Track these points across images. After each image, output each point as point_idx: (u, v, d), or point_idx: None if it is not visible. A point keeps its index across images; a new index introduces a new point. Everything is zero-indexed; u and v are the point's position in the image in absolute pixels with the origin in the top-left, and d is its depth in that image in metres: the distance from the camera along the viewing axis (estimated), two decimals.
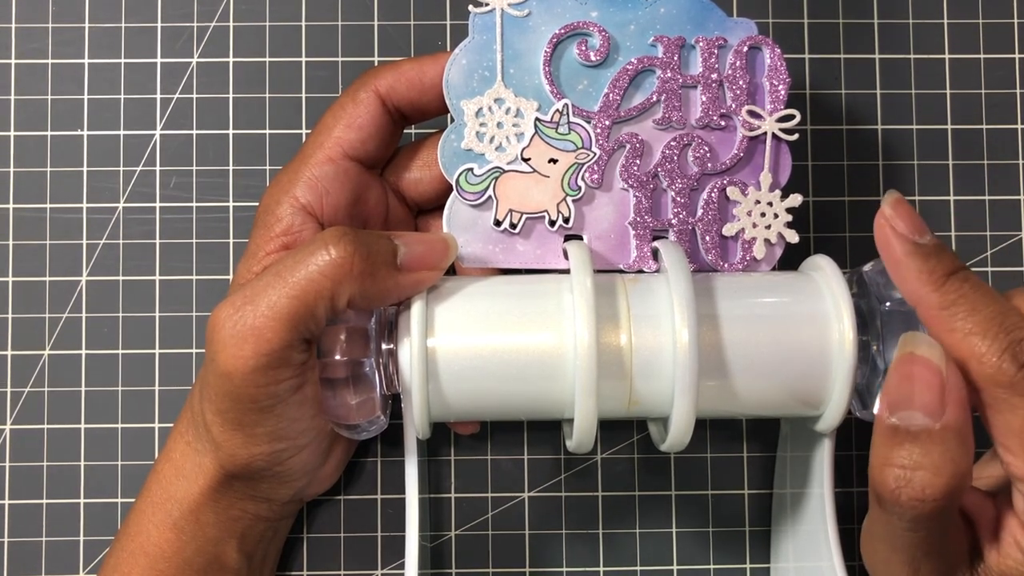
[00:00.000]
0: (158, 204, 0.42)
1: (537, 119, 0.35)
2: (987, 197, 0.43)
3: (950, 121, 0.43)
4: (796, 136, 0.36)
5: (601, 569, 0.41)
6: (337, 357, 0.32)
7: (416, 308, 0.33)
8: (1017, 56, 0.43)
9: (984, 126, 0.43)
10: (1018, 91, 0.43)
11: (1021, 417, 0.28)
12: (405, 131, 0.40)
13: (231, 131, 0.42)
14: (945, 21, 0.43)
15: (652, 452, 0.42)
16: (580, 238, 0.36)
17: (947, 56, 0.43)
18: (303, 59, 0.42)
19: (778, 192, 0.36)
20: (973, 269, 0.42)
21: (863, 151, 0.42)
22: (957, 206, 0.42)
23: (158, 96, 0.42)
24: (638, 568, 0.41)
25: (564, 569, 0.41)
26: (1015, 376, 0.28)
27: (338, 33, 0.42)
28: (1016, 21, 0.43)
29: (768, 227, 0.36)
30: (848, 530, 0.42)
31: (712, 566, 0.42)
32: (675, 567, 0.41)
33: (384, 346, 0.33)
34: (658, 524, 0.42)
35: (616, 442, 0.42)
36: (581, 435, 0.33)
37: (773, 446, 0.42)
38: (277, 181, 0.36)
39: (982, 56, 0.43)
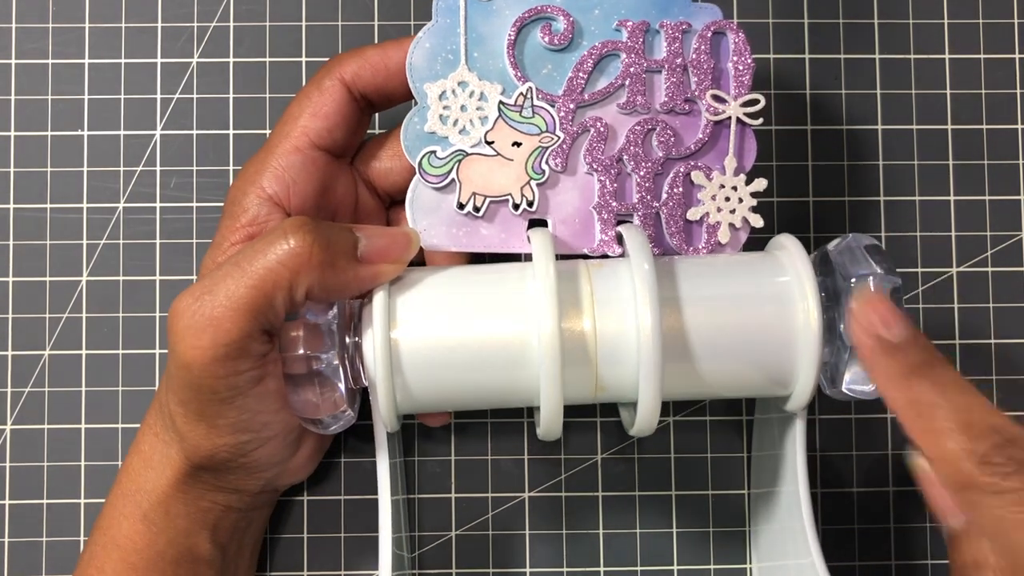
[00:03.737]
0: (158, 204, 0.42)
1: (501, 102, 0.35)
2: (987, 197, 0.43)
3: (950, 121, 0.43)
4: (760, 120, 0.36)
5: (601, 569, 0.41)
6: (299, 352, 0.32)
7: (378, 300, 0.33)
8: (1017, 56, 0.43)
9: (984, 126, 0.43)
10: (1018, 91, 0.43)
11: (989, 517, 0.27)
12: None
13: (231, 131, 0.42)
14: (945, 21, 0.43)
15: (652, 452, 0.42)
16: (544, 222, 0.36)
17: (947, 56, 0.43)
18: (303, 59, 0.42)
19: (743, 176, 0.36)
20: (973, 269, 0.42)
21: (863, 151, 0.42)
22: (957, 206, 0.42)
23: (158, 96, 0.42)
24: (638, 568, 0.41)
25: (564, 569, 0.41)
26: (973, 473, 0.27)
27: (338, 33, 0.42)
28: (1016, 21, 0.43)
29: (733, 211, 0.36)
30: (836, 530, 0.42)
31: (712, 566, 0.42)
32: (675, 567, 0.41)
33: (348, 339, 0.33)
34: (658, 524, 0.42)
35: (616, 442, 0.42)
36: (548, 422, 0.33)
37: None
38: (244, 172, 0.36)
39: (982, 56, 0.43)
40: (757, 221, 0.36)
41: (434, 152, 0.35)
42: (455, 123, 0.35)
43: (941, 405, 0.28)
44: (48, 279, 0.42)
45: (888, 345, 0.30)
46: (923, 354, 0.30)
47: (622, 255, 0.35)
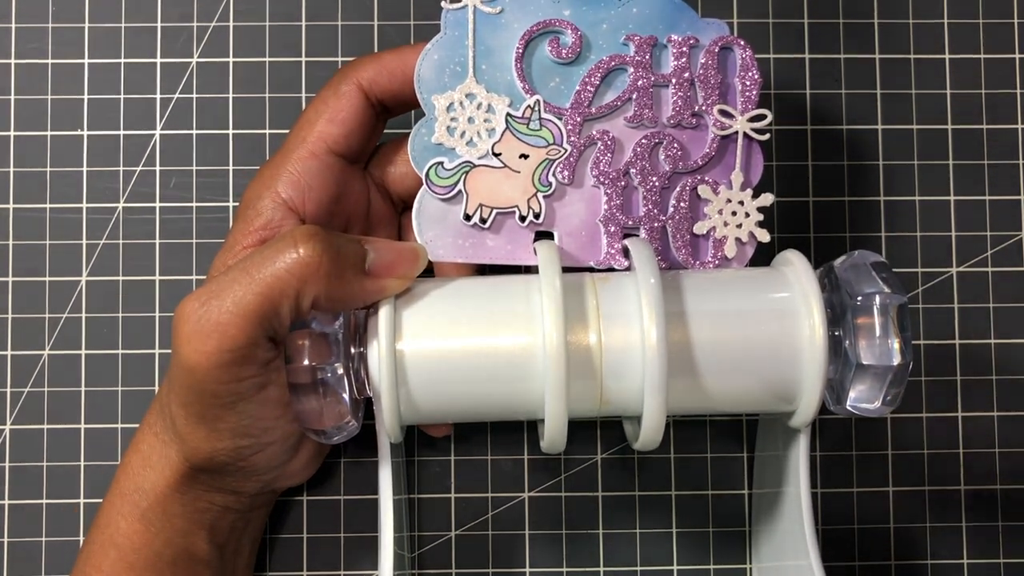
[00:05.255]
0: (158, 204, 0.42)
1: (508, 114, 0.35)
2: (987, 197, 0.43)
3: (950, 121, 0.43)
4: (767, 136, 0.36)
5: (601, 569, 0.41)
6: (305, 362, 0.32)
7: (384, 312, 0.33)
8: (1017, 56, 0.43)
9: (984, 126, 0.43)
10: (1018, 91, 0.43)
11: None
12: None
13: (231, 131, 0.42)
14: (945, 21, 0.43)
15: (652, 452, 0.42)
16: (551, 235, 0.36)
17: (947, 56, 0.43)
18: (303, 59, 0.42)
19: (749, 191, 0.36)
20: (973, 269, 0.42)
21: (863, 151, 0.42)
22: (957, 206, 0.42)
23: (158, 96, 0.42)
24: (638, 568, 0.41)
25: (564, 569, 0.41)
26: None
27: (338, 33, 0.42)
28: (1016, 21, 0.43)
29: (739, 226, 0.36)
30: (836, 531, 0.42)
31: (712, 566, 0.42)
32: (675, 567, 0.41)
33: (354, 350, 0.33)
34: (658, 524, 0.42)
35: (616, 442, 0.42)
36: (552, 436, 0.33)
37: None
38: (260, 175, 0.36)
39: (982, 56, 0.43)
40: (764, 236, 0.36)
41: (441, 163, 0.35)
42: (462, 135, 0.35)
43: None
44: (47, 279, 0.42)
45: None
46: None
47: (628, 268, 0.35)
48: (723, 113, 0.36)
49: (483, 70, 0.35)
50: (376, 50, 0.42)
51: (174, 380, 0.32)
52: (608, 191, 0.36)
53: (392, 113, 0.37)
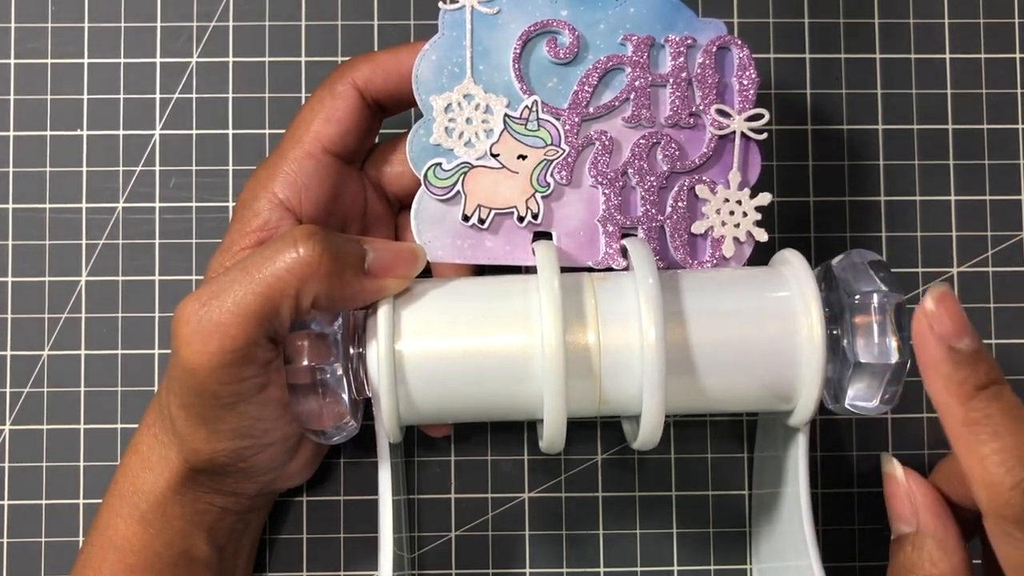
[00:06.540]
0: (158, 204, 0.42)
1: (506, 115, 0.35)
2: (987, 197, 0.42)
3: (950, 121, 0.43)
4: (765, 135, 0.36)
5: (601, 569, 0.41)
6: (304, 363, 0.32)
7: (383, 312, 0.33)
8: (1018, 56, 0.43)
9: (984, 126, 0.43)
10: (1018, 91, 0.43)
11: (1019, 554, 0.27)
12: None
13: (231, 131, 0.42)
14: (946, 21, 0.43)
15: (652, 453, 0.42)
16: (549, 235, 0.36)
17: (947, 56, 0.43)
18: (303, 59, 0.42)
19: (747, 191, 0.36)
20: (973, 270, 0.42)
21: (863, 151, 0.42)
22: (957, 206, 0.42)
23: (157, 96, 0.42)
24: (638, 568, 0.41)
25: (564, 569, 0.41)
26: (1021, 512, 0.27)
27: (338, 33, 0.42)
28: (1017, 21, 0.43)
29: (737, 225, 0.36)
30: (836, 531, 0.42)
31: (712, 567, 0.41)
32: (675, 567, 0.41)
33: (353, 350, 0.33)
34: (658, 524, 0.42)
35: (616, 442, 0.42)
36: (551, 435, 0.33)
37: None
38: (256, 176, 0.36)
39: (983, 56, 0.43)
40: (761, 235, 0.36)
41: (439, 164, 0.35)
42: (460, 135, 0.35)
43: (1003, 433, 0.28)
44: (47, 279, 0.42)
45: (956, 355, 0.29)
46: (991, 374, 0.29)
47: (626, 268, 0.35)
48: (720, 113, 0.36)
49: (481, 71, 0.35)
50: (375, 50, 0.42)
51: (174, 381, 0.32)
52: (606, 191, 0.36)
53: (388, 112, 0.37)
